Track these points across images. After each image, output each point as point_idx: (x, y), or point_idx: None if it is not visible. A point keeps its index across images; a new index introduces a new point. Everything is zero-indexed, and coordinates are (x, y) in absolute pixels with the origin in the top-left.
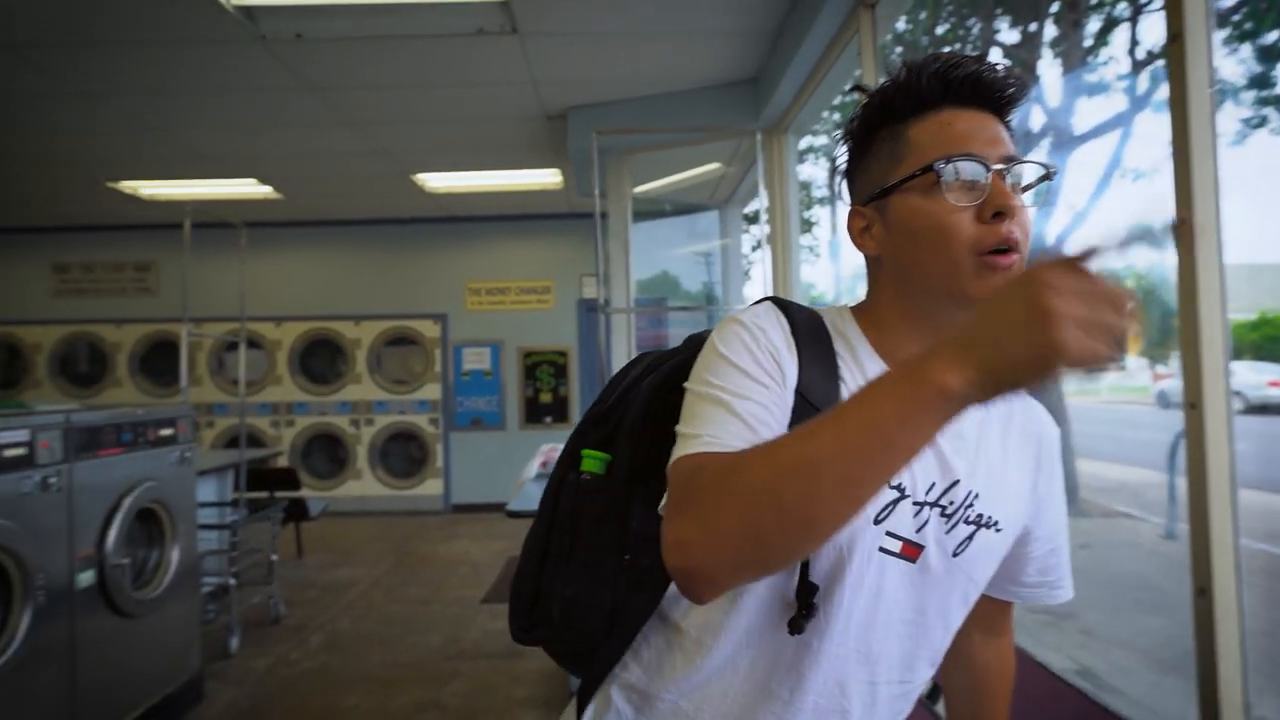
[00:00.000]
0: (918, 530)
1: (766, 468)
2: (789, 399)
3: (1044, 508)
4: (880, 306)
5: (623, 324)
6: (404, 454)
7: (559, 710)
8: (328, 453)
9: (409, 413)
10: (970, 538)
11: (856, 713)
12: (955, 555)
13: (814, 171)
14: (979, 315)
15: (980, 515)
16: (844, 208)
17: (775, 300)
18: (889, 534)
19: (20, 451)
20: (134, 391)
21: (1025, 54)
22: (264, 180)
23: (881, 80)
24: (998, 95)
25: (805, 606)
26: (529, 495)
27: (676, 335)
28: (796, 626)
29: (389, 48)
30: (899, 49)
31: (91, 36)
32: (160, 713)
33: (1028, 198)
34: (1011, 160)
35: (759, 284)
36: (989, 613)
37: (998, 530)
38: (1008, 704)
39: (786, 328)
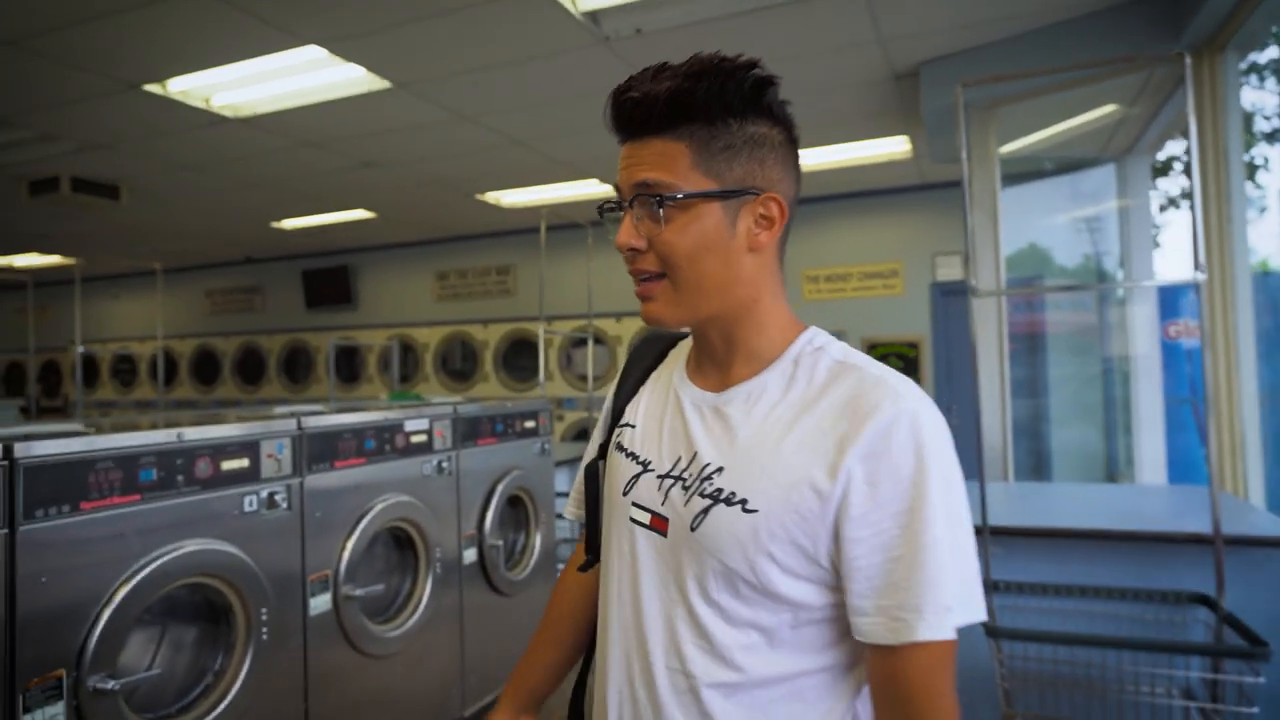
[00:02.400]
0: (662, 503)
1: None
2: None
3: (863, 510)
4: None
5: (991, 309)
6: None
7: None
8: None
9: None
10: (706, 511)
11: (641, 690)
12: (693, 529)
13: (1258, 97)
14: None
15: (719, 490)
16: None
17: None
18: (635, 505)
19: (422, 438)
20: (497, 386)
21: None
22: (605, 180)
23: None
24: (639, 121)
25: (592, 554)
26: None
27: (1056, 320)
28: (584, 566)
29: (724, 28)
30: None
31: (465, 65)
32: None
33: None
34: (637, 192)
35: (1175, 252)
36: (872, 670)
37: (746, 509)
38: None
39: (624, 365)
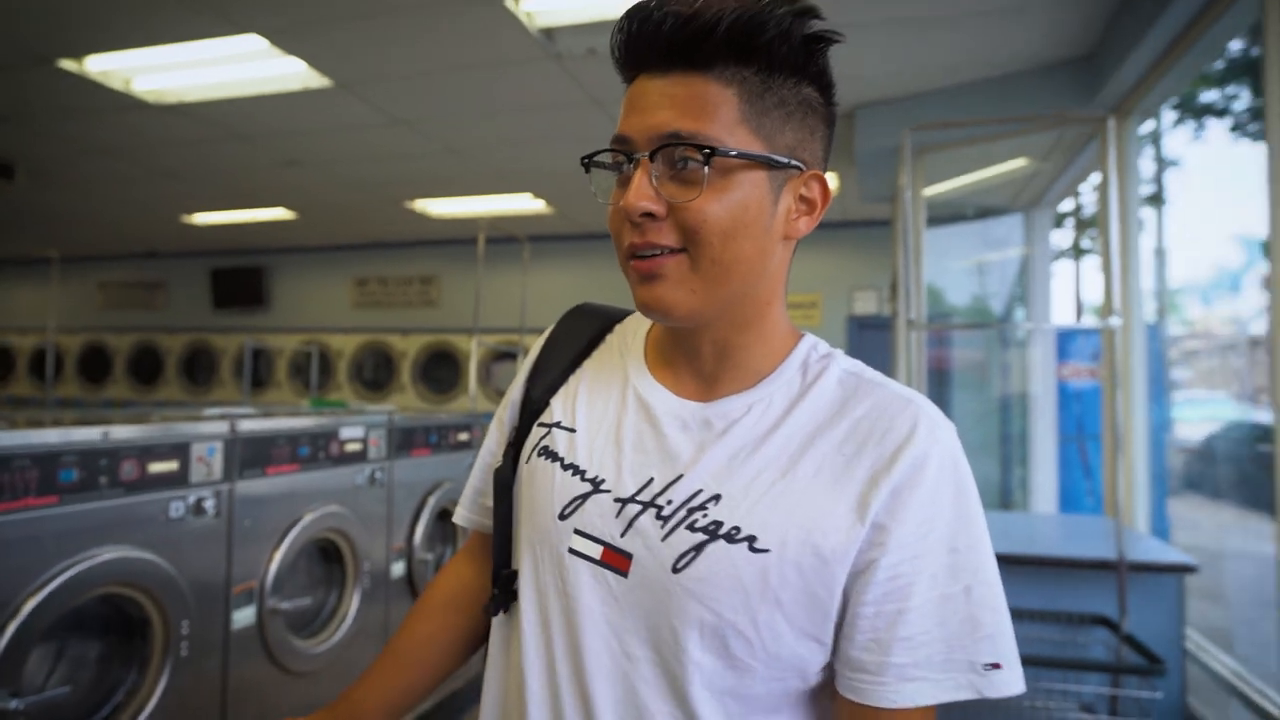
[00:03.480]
0: (622, 534)
1: None
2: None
3: (891, 549)
4: None
5: (914, 343)
6: None
7: None
8: None
9: None
10: (698, 549)
11: None
12: (676, 569)
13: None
14: None
15: (717, 523)
16: (1170, 208)
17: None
18: (579, 533)
19: (357, 447)
20: (414, 398)
21: None
22: (538, 194)
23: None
24: (677, 46)
25: (500, 590)
26: None
27: (958, 357)
28: (491, 608)
29: None
30: None
31: (410, 68)
32: (446, 708)
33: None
34: (664, 143)
35: (1062, 300)
36: None
37: (755, 548)
38: None
39: (540, 344)
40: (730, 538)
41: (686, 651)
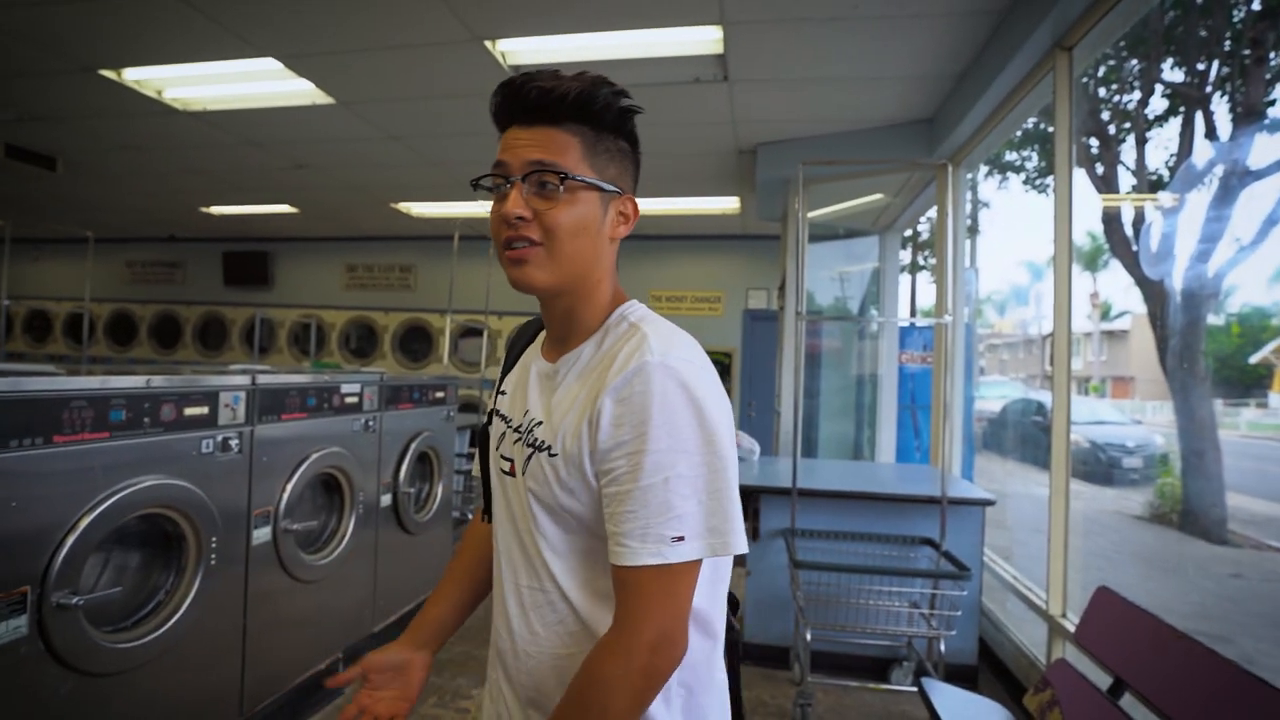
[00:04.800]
0: (511, 452)
1: None
2: None
3: (607, 448)
4: None
5: (799, 330)
6: None
7: None
8: None
9: None
10: (529, 458)
11: (513, 609)
12: (523, 473)
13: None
14: None
15: (538, 439)
16: (981, 237)
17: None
18: (502, 456)
19: (354, 399)
20: (394, 364)
21: (1194, 91)
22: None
23: (1071, 118)
24: (540, 107)
25: (487, 505)
26: None
27: (827, 345)
28: (485, 517)
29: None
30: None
31: (407, 94)
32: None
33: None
34: (532, 169)
35: (904, 302)
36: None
37: (550, 455)
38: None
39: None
40: (539, 448)
41: (535, 521)
